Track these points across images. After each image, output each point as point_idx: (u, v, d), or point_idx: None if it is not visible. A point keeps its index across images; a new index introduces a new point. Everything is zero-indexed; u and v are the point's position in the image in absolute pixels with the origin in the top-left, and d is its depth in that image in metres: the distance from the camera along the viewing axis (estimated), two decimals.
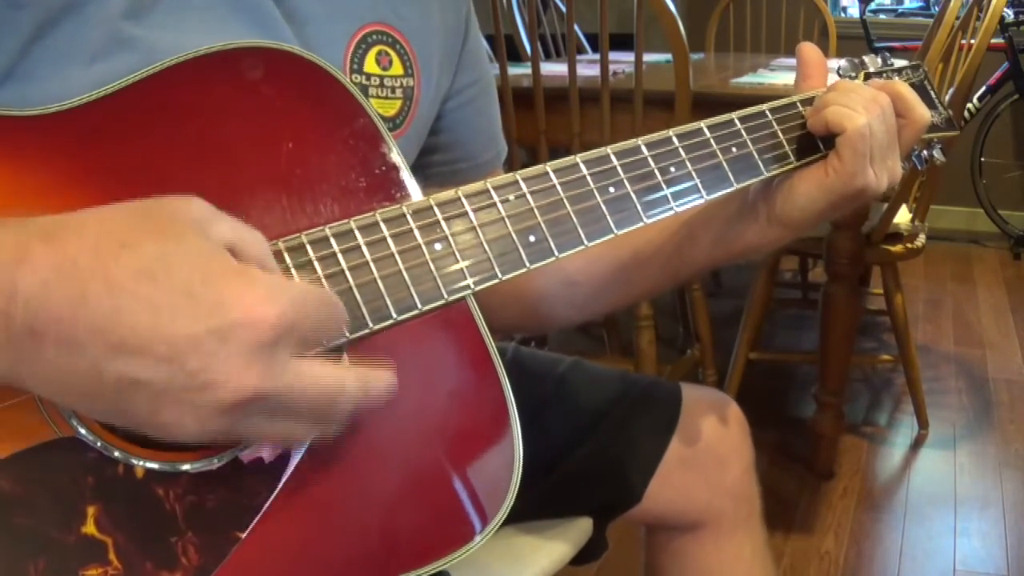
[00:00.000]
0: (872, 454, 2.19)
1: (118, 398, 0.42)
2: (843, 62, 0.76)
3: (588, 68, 1.90)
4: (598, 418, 0.92)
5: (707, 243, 0.73)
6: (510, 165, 1.93)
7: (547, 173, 0.59)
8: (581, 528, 0.94)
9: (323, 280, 0.51)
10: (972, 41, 1.88)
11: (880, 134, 0.66)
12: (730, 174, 0.66)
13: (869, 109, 0.66)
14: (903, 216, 2.05)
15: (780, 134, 0.69)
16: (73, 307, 0.40)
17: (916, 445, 2.24)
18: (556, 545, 0.91)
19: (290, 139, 0.54)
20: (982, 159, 3.77)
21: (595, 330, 2.64)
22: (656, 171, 0.63)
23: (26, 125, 0.49)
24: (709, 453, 0.93)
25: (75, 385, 0.42)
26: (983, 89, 3.58)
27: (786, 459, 2.13)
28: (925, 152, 0.79)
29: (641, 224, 0.62)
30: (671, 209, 0.63)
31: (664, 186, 0.63)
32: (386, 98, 0.69)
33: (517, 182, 0.58)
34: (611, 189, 0.61)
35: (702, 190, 0.65)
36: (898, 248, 2.02)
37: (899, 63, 0.80)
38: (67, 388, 0.42)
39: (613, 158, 0.62)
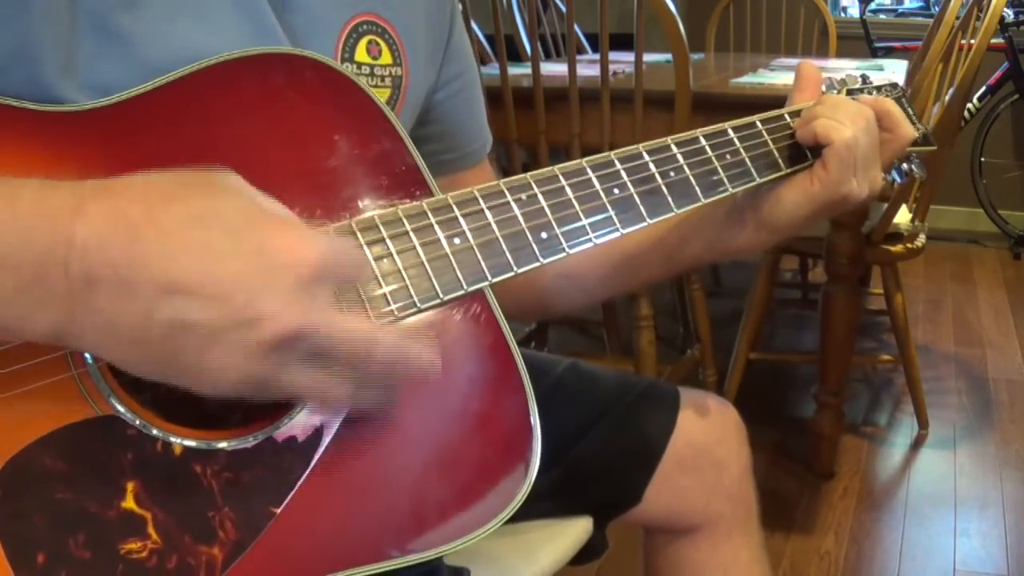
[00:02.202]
0: (872, 454, 2.19)
1: (166, 343, 0.44)
2: (825, 84, 0.80)
3: (588, 68, 1.90)
4: (596, 419, 0.93)
5: (699, 246, 0.77)
6: (510, 165, 1.94)
7: (556, 175, 0.63)
8: (581, 527, 0.94)
9: None
10: (972, 41, 1.88)
11: (864, 146, 0.70)
12: (725, 179, 0.70)
13: (855, 122, 0.70)
14: (903, 216, 2.05)
15: (770, 143, 0.72)
16: (127, 253, 0.43)
17: (916, 445, 2.24)
18: (557, 543, 0.92)
19: (313, 142, 0.57)
20: (982, 159, 3.77)
21: (595, 330, 2.64)
22: (657, 175, 0.67)
23: (52, 120, 0.51)
24: (706, 456, 0.93)
25: (125, 332, 0.44)
26: (983, 89, 3.59)
27: (786, 459, 2.13)
28: (905, 165, 0.83)
29: (645, 224, 0.65)
30: (671, 210, 0.67)
31: (664, 189, 0.67)
32: (376, 87, 0.70)
33: (529, 183, 0.61)
34: (616, 191, 0.65)
35: (699, 194, 0.68)
36: (898, 248, 2.02)
37: (878, 82, 0.84)
38: (118, 336, 0.45)
39: (617, 163, 0.65)
